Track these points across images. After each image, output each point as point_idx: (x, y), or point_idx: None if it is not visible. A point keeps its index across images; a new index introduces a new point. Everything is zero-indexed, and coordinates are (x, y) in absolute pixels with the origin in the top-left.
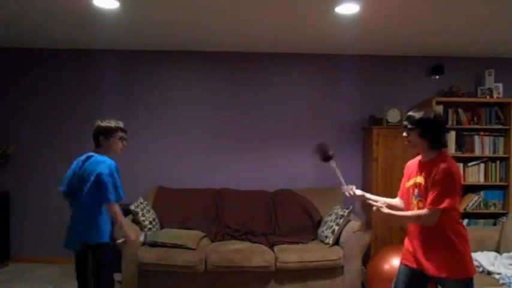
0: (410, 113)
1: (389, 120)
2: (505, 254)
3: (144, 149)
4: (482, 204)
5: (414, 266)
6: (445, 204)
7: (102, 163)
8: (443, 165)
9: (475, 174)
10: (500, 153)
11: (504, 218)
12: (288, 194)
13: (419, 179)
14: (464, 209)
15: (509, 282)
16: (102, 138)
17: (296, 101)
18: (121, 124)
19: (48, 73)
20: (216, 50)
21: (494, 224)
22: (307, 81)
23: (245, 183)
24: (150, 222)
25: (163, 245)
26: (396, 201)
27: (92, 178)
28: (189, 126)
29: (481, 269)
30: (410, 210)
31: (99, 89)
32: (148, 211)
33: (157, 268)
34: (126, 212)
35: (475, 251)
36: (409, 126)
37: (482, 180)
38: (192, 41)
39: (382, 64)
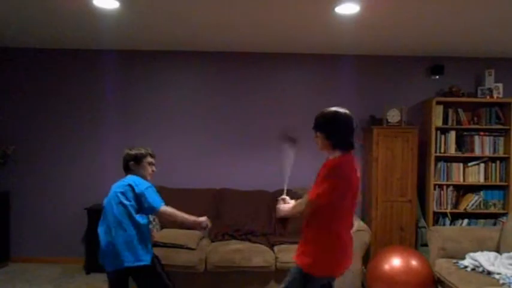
0: (317, 114)
1: (389, 120)
2: (505, 254)
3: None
4: (482, 204)
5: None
6: (313, 195)
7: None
8: (328, 162)
9: (475, 174)
10: (500, 153)
11: (504, 218)
12: (288, 194)
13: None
14: (465, 209)
15: (509, 282)
16: (132, 164)
17: (296, 101)
18: (150, 150)
19: (48, 73)
20: (216, 50)
21: (494, 224)
22: (307, 81)
23: (245, 183)
24: (150, 222)
25: (164, 245)
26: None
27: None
28: (189, 126)
29: (481, 269)
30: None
31: (99, 89)
32: None
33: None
34: None
35: (475, 251)
36: (315, 128)
37: (482, 180)
38: (192, 41)
39: (382, 64)
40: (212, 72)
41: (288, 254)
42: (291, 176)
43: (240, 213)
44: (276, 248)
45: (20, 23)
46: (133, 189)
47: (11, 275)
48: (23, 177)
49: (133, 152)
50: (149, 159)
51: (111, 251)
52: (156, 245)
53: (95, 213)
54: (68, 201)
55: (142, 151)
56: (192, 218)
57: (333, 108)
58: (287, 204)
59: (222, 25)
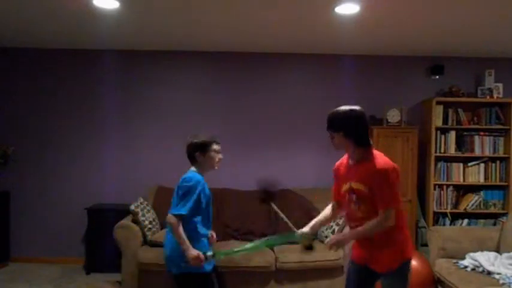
0: (330, 115)
1: (389, 120)
2: (505, 254)
3: (144, 149)
4: (482, 204)
5: (363, 263)
6: (396, 202)
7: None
8: (379, 166)
9: (475, 174)
10: (500, 153)
11: (504, 218)
12: (288, 194)
13: (355, 185)
14: (465, 209)
15: (509, 282)
16: (198, 154)
17: (296, 101)
18: (215, 137)
19: (47, 73)
20: (216, 50)
21: (494, 224)
22: (307, 81)
23: (245, 183)
24: (150, 222)
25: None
26: (328, 211)
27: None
28: (189, 126)
29: (481, 269)
30: (350, 215)
31: (99, 89)
32: (149, 211)
33: (157, 268)
34: (126, 212)
35: (475, 251)
36: (331, 129)
37: (482, 180)
38: (192, 41)
39: (382, 64)
40: (212, 72)
41: (288, 254)
42: (292, 177)
43: (240, 213)
44: (276, 248)
45: (20, 23)
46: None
47: (11, 275)
48: (23, 177)
49: (197, 140)
50: (215, 146)
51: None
52: (156, 245)
53: (95, 213)
54: (68, 201)
55: (207, 138)
56: (186, 245)
57: (347, 107)
58: (347, 235)
59: (222, 25)
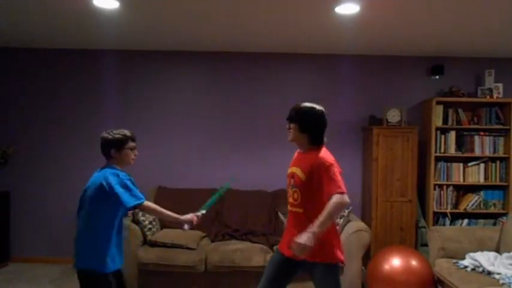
0: (293, 107)
1: (389, 120)
2: (505, 254)
3: (144, 148)
4: (482, 204)
5: (288, 253)
6: (339, 188)
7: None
8: (320, 157)
9: (475, 174)
10: (500, 153)
11: (504, 218)
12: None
13: (295, 170)
14: (465, 209)
15: (509, 282)
16: (113, 151)
17: (296, 101)
18: (130, 133)
19: (48, 73)
20: (216, 50)
21: (494, 224)
22: (307, 81)
23: (245, 183)
24: (150, 222)
25: (164, 245)
26: None
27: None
28: (189, 126)
29: (481, 269)
30: (288, 198)
31: (99, 89)
32: None
33: (158, 268)
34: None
35: (475, 251)
36: (290, 120)
37: (482, 180)
38: (192, 41)
39: (382, 64)
40: (212, 72)
41: None
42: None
43: (240, 213)
44: (276, 248)
45: (20, 23)
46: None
47: (11, 275)
48: (23, 177)
49: (112, 136)
50: (131, 143)
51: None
52: (156, 245)
53: None
54: (68, 201)
55: (122, 135)
56: (173, 215)
57: (309, 104)
58: (307, 232)
59: (222, 25)
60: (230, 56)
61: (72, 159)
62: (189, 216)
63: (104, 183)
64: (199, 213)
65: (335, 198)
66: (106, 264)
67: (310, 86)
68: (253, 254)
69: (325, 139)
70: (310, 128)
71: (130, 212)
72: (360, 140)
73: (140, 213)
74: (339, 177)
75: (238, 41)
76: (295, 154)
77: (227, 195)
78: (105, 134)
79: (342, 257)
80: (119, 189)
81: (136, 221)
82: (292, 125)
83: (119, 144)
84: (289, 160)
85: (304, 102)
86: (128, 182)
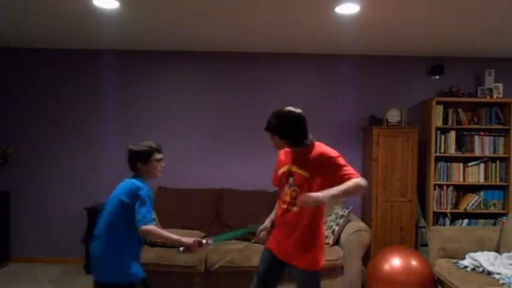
0: (270, 116)
1: (389, 120)
2: (505, 254)
3: None
4: (482, 204)
5: (275, 252)
6: (354, 174)
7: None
8: (323, 153)
9: (475, 174)
10: (500, 153)
11: (504, 218)
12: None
13: (294, 168)
14: (465, 209)
15: (509, 282)
16: (140, 164)
17: (296, 101)
18: (156, 145)
19: (48, 73)
20: (216, 50)
21: (494, 224)
22: (307, 81)
23: (245, 183)
24: None
25: (163, 245)
26: (274, 213)
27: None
28: (189, 126)
29: (481, 269)
30: (282, 197)
31: (99, 89)
32: None
33: (157, 268)
34: None
35: (475, 251)
36: (269, 131)
37: (482, 180)
38: (192, 41)
39: (382, 64)
40: (212, 72)
41: None
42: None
43: (240, 213)
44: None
45: (20, 23)
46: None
47: (11, 275)
48: (23, 177)
49: (137, 148)
50: (157, 155)
51: None
52: (155, 245)
53: (95, 213)
54: (68, 201)
55: (148, 148)
56: (175, 238)
57: (286, 109)
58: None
59: (222, 25)
60: (230, 56)
61: (72, 159)
62: (190, 241)
63: (125, 197)
64: (204, 242)
65: (355, 179)
66: (131, 275)
67: (310, 86)
68: (253, 254)
69: (310, 136)
70: (289, 134)
71: None
72: (360, 140)
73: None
74: (344, 165)
75: (238, 41)
76: (282, 152)
77: (227, 195)
78: (131, 147)
79: (323, 262)
80: (138, 204)
81: None
82: (272, 136)
83: (145, 156)
84: None
85: (287, 106)
86: (147, 199)
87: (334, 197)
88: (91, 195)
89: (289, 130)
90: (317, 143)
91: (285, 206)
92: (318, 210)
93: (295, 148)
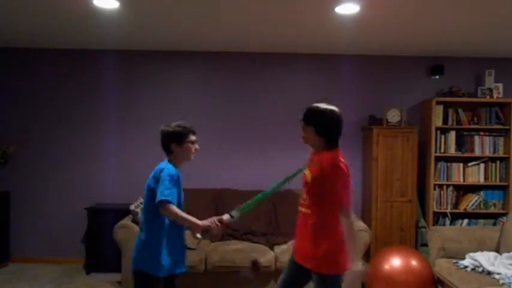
0: (309, 108)
1: (389, 120)
2: (505, 254)
3: (144, 148)
4: (482, 204)
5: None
6: (347, 205)
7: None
8: (327, 159)
9: (475, 174)
10: (500, 153)
11: (504, 218)
12: (288, 194)
13: (306, 171)
14: (465, 209)
15: (509, 282)
16: (174, 146)
17: (296, 101)
18: (190, 125)
19: (48, 73)
20: (216, 50)
21: (494, 224)
22: (307, 81)
23: (245, 183)
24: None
25: None
26: None
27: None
28: None
29: (481, 269)
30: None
31: (99, 89)
32: None
33: None
34: (126, 212)
35: (475, 251)
36: (305, 121)
37: (482, 180)
38: (192, 41)
39: (382, 64)
40: (212, 72)
41: (289, 254)
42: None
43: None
44: (276, 248)
45: (20, 23)
46: None
47: (11, 275)
48: (23, 177)
49: (172, 129)
50: (192, 137)
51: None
52: None
53: (95, 213)
54: (68, 201)
55: (182, 129)
56: (192, 219)
57: (328, 106)
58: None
59: (222, 25)
60: (230, 56)
61: (72, 159)
62: (206, 222)
63: (152, 182)
64: (226, 217)
65: (349, 220)
66: (160, 267)
67: (310, 86)
68: (253, 254)
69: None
70: (328, 132)
71: (132, 211)
72: (360, 140)
73: (140, 213)
74: (337, 181)
75: (238, 41)
76: (310, 152)
77: (227, 195)
78: (164, 128)
79: (342, 267)
80: (159, 185)
81: (136, 221)
82: (307, 127)
83: (180, 137)
84: (290, 160)
85: (316, 103)
86: (167, 178)
87: (356, 256)
88: (91, 195)
89: (329, 127)
90: (337, 152)
91: (299, 207)
92: (325, 211)
93: (320, 149)
